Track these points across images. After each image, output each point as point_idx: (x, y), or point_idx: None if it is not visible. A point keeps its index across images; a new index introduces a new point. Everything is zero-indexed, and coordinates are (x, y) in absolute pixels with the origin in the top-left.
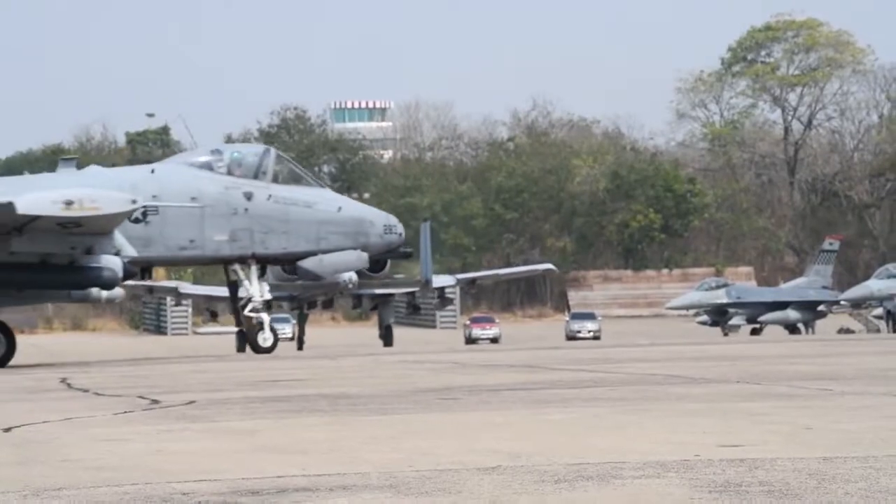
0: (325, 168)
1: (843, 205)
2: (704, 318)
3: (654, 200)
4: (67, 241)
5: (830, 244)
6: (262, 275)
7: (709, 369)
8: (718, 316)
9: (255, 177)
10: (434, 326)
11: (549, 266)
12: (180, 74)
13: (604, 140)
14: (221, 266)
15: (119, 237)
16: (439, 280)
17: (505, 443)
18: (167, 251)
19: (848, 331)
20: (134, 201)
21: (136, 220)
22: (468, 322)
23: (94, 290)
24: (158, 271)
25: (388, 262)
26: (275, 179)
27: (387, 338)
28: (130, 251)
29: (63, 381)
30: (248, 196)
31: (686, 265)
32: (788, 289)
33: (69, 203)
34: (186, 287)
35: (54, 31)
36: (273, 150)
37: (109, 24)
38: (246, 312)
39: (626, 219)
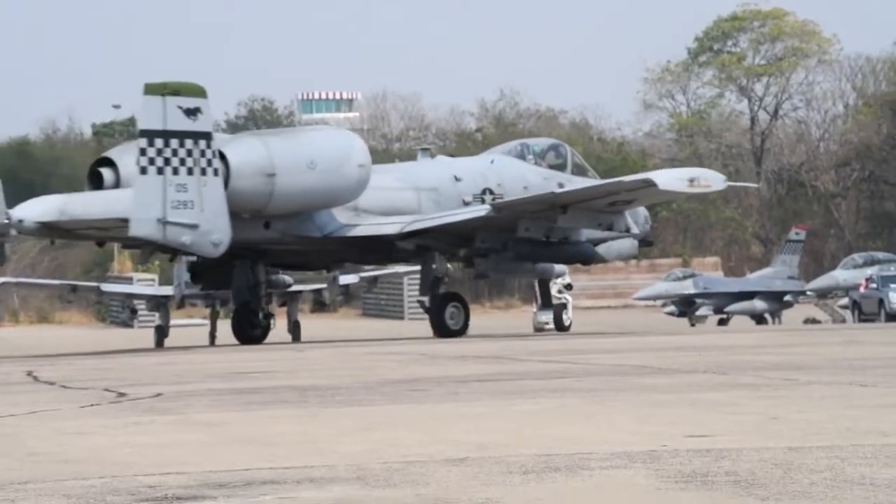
0: None
1: (809, 195)
2: (672, 308)
3: None
4: (597, 219)
5: (797, 234)
6: None
7: (676, 360)
8: (686, 306)
9: (561, 168)
10: (402, 318)
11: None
12: (146, 65)
13: (571, 130)
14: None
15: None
16: (345, 277)
17: (473, 434)
18: None
19: (814, 321)
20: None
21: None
22: None
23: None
24: (125, 263)
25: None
26: (572, 171)
27: (295, 332)
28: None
29: (29, 374)
30: (561, 186)
31: (653, 256)
32: (755, 279)
33: (692, 180)
34: (108, 286)
35: (17, 22)
36: (566, 144)
37: (75, 15)
38: (554, 293)
39: None
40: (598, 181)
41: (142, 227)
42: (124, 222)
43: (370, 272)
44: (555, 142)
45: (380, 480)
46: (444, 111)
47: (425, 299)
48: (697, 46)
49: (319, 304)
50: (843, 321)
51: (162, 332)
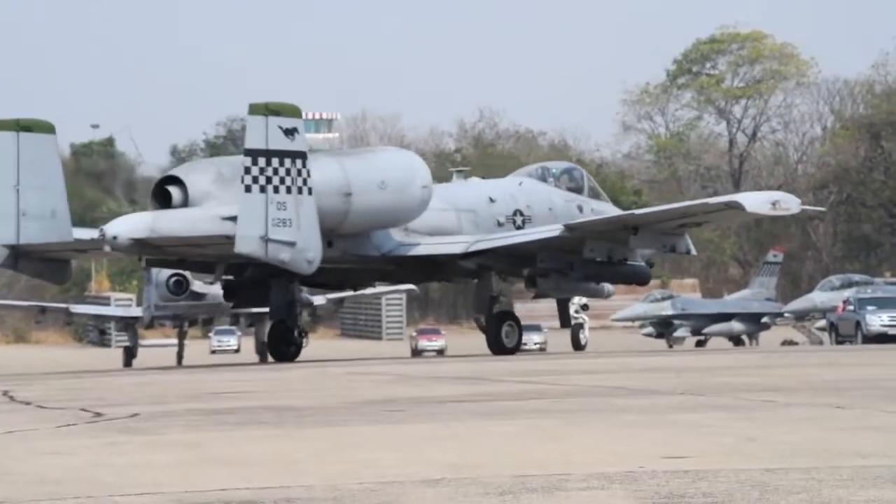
0: None
1: (786, 217)
2: (650, 329)
3: None
4: (662, 241)
5: (774, 256)
6: None
7: (654, 381)
8: (664, 328)
9: (578, 191)
10: (380, 338)
11: (412, 287)
12: (125, 85)
13: (550, 151)
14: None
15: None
16: (313, 299)
17: (450, 455)
18: None
19: (791, 343)
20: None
21: (519, 227)
22: (415, 334)
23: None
24: (103, 283)
25: (190, 285)
26: (588, 194)
27: (263, 353)
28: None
29: (5, 393)
30: (580, 209)
31: None
32: (733, 301)
33: (774, 203)
34: (77, 307)
35: None
36: (581, 168)
37: (53, 35)
38: (572, 313)
39: None
40: (609, 206)
41: (246, 244)
42: (228, 239)
43: (337, 294)
44: (571, 165)
45: (357, 501)
46: (424, 132)
47: (481, 317)
48: (676, 68)
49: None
50: (821, 343)
51: (130, 353)
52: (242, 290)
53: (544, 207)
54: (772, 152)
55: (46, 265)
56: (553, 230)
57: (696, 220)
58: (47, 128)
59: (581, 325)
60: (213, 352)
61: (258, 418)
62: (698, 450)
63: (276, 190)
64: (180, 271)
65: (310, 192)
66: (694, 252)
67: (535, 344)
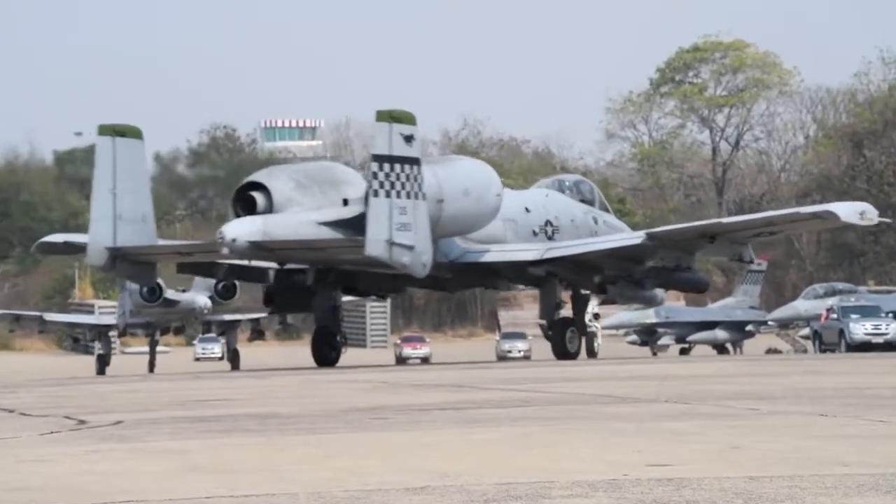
0: None
1: None
2: (634, 337)
3: None
4: (732, 249)
5: (758, 264)
6: None
7: (637, 389)
8: (647, 335)
9: (591, 203)
10: (364, 346)
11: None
12: (109, 92)
13: (534, 159)
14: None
15: None
16: None
17: (434, 462)
18: None
19: (775, 351)
20: None
21: (549, 237)
22: (399, 341)
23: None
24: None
25: (238, 290)
26: (599, 206)
27: (234, 361)
28: None
29: None
30: (595, 220)
31: None
32: (717, 309)
33: (862, 213)
34: (50, 315)
35: None
36: (590, 181)
37: (36, 42)
38: (587, 321)
39: None
40: (614, 218)
41: (375, 248)
42: (355, 242)
43: None
44: (581, 178)
45: None
46: None
47: (545, 323)
48: (659, 77)
49: (257, 333)
50: (805, 351)
51: (104, 360)
52: (284, 295)
53: (568, 219)
54: (755, 161)
55: (138, 268)
56: (635, 238)
57: (776, 229)
58: (137, 133)
59: (594, 334)
60: (198, 359)
61: (243, 426)
62: (682, 458)
63: (398, 195)
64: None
65: (423, 198)
66: (755, 260)
67: (520, 351)
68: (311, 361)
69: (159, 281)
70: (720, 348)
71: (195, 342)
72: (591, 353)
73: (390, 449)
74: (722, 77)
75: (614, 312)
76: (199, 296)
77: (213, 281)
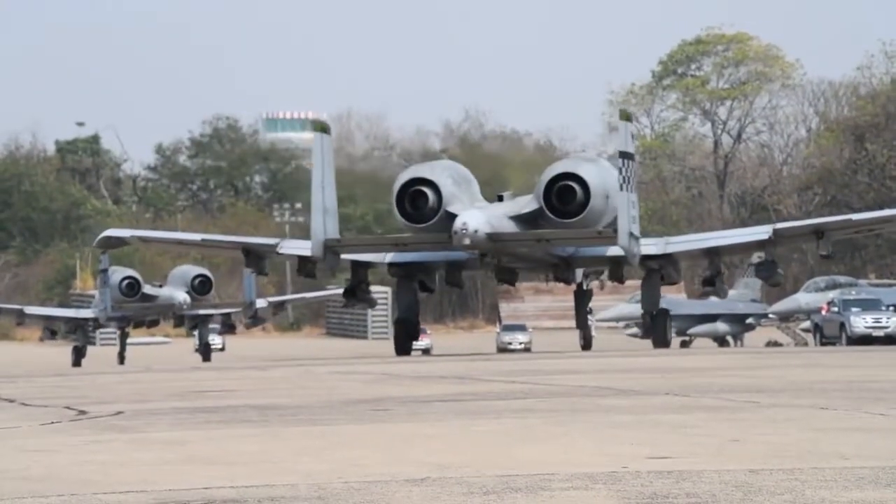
0: (257, 178)
1: (771, 218)
2: (634, 330)
3: None
4: (830, 245)
5: (759, 257)
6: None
7: (638, 381)
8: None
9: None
10: (366, 337)
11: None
12: (111, 83)
13: (536, 152)
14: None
15: None
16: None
17: (435, 454)
18: None
19: (776, 344)
20: None
21: (610, 226)
22: None
23: None
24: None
25: (213, 285)
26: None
27: (205, 353)
28: None
29: None
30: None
31: None
32: (718, 302)
33: None
34: (30, 309)
35: None
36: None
37: (38, 32)
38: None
39: None
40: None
41: (624, 239)
42: (607, 234)
43: (277, 298)
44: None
45: (340, 500)
46: (410, 131)
47: (648, 314)
48: (661, 69)
49: (229, 327)
50: (805, 344)
51: (79, 353)
52: (360, 290)
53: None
54: (757, 154)
55: (336, 260)
56: (763, 233)
57: (883, 227)
58: (328, 129)
59: (590, 328)
60: (197, 350)
61: (243, 417)
62: (682, 450)
63: (630, 189)
64: (132, 274)
65: (635, 190)
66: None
67: (521, 343)
68: (319, 352)
69: (137, 276)
70: (721, 341)
71: (195, 332)
72: (589, 346)
73: (390, 440)
74: (724, 70)
75: (614, 304)
76: (177, 291)
77: (189, 276)
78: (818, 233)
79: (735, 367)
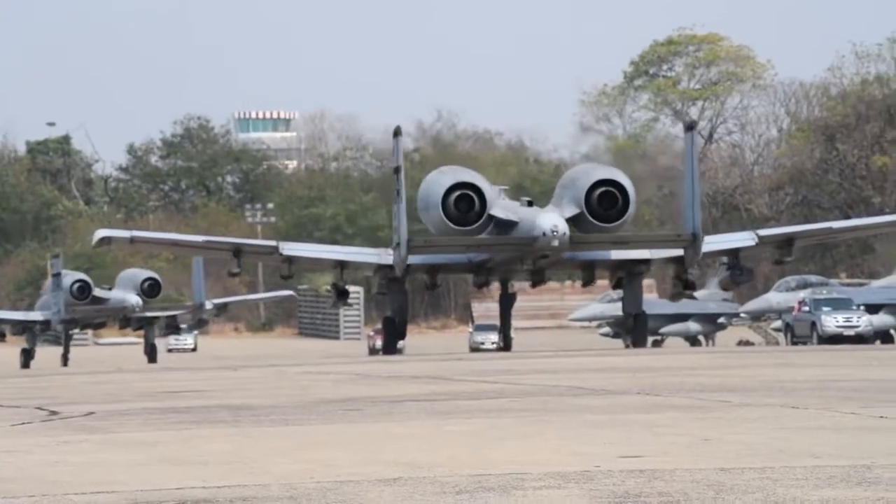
0: (229, 178)
1: (743, 218)
2: (606, 329)
3: None
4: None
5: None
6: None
7: (610, 381)
8: (620, 328)
9: None
10: (338, 337)
11: (290, 293)
12: (82, 83)
13: (507, 152)
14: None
15: None
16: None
17: (407, 454)
18: None
19: (747, 343)
20: None
21: None
22: (372, 333)
23: None
24: None
25: (161, 288)
26: None
27: (151, 354)
28: None
29: None
30: None
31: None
32: (689, 301)
33: None
34: None
35: None
36: None
37: (9, 33)
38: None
39: None
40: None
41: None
42: (685, 237)
43: (221, 300)
44: None
45: (312, 500)
46: (382, 131)
47: (630, 316)
48: (633, 70)
49: (173, 329)
50: (776, 343)
51: (28, 355)
52: (394, 287)
53: None
54: (728, 154)
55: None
56: (748, 240)
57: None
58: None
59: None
60: (170, 350)
61: (215, 417)
62: (654, 449)
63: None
64: (83, 277)
65: None
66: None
67: (493, 343)
68: (291, 352)
69: (87, 279)
70: (692, 340)
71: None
72: (509, 348)
73: (363, 440)
74: (696, 70)
75: (586, 304)
76: (129, 294)
77: (138, 279)
78: (791, 241)
79: (707, 367)
